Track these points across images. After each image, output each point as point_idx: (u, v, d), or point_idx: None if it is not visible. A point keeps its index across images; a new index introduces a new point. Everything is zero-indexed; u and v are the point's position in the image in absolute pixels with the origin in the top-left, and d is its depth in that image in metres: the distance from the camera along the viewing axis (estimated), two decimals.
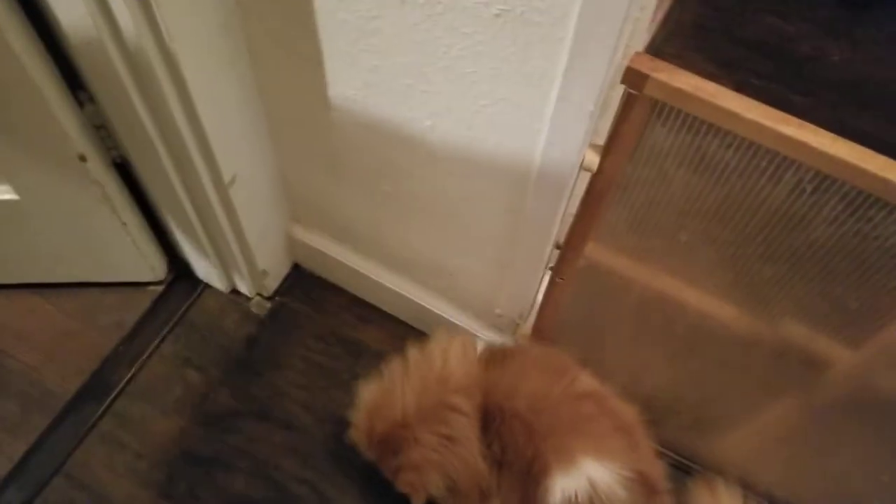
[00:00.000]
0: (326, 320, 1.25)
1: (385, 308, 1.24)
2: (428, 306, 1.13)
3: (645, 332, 0.85)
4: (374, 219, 1.03)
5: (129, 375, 1.19)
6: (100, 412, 1.15)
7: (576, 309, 0.92)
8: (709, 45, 0.81)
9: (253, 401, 1.17)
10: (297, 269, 1.30)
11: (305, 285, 1.29)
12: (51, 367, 1.19)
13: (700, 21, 0.94)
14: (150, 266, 1.23)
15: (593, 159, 0.66)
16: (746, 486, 0.99)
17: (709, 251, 0.68)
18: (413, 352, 0.85)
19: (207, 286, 1.28)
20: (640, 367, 0.92)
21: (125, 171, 1.05)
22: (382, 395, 0.82)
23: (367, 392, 0.84)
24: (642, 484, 0.76)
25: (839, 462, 0.89)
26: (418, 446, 0.74)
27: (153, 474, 1.10)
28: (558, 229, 0.81)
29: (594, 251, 0.78)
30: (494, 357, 0.87)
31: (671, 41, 0.66)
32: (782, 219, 0.61)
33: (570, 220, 0.79)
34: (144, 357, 1.21)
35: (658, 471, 0.81)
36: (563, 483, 0.73)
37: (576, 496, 0.73)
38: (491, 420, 0.78)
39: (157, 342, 1.23)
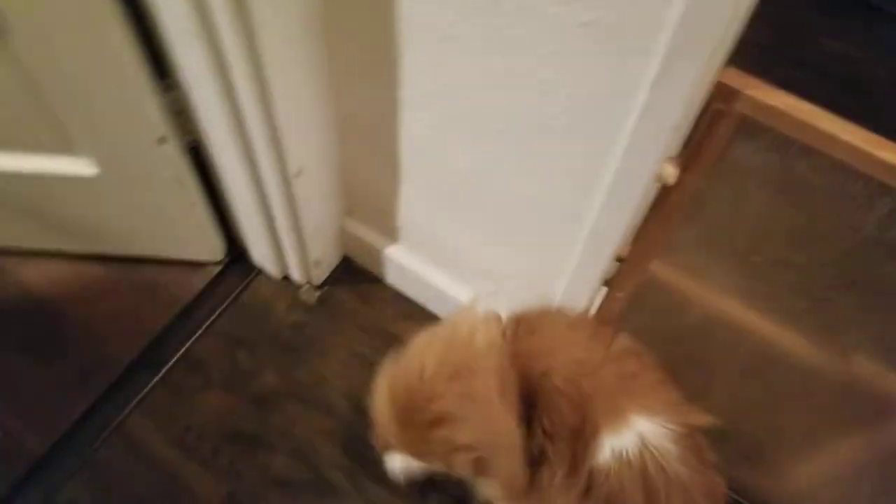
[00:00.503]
0: (371, 313, 1.22)
1: (429, 307, 1.21)
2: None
3: (703, 355, 0.79)
4: (431, 219, 1.00)
5: (182, 350, 1.17)
6: (153, 382, 1.14)
7: (629, 325, 0.87)
8: (770, 65, 0.76)
9: (297, 384, 1.14)
10: (346, 261, 1.28)
11: (353, 277, 1.26)
12: (112, 336, 1.18)
13: (762, 41, 0.87)
14: (210, 247, 1.21)
15: (670, 172, 0.62)
16: None
17: (783, 275, 0.63)
18: (431, 328, 0.79)
19: (261, 271, 1.26)
20: (695, 391, 0.86)
21: (197, 155, 1.03)
22: (402, 369, 0.76)
23: (387, 370, 0.78)
24: (691, 437, 0.72)
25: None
26: (441, 401, 0.69)
27: (199, 446, 1.07)
28: (620, 242, 0.76)
29: (657, 267, 0.73)
30: (522, 326, 0.80)
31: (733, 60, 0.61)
32: (871, 247, 0.55)
33: (632, 233, 0.75)
34: (198, 333, 1.19)
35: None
36: (613, 441, 0.70)
37: (627, 453, 0.69)
38: (532, 391, 0.73)
39: (210, 320, 1.21)
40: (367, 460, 1.07)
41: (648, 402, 0.72)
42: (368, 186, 1.05)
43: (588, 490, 0.72)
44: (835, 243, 0.58)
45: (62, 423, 1.10)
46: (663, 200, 0.66)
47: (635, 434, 0.70)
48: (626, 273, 0.77)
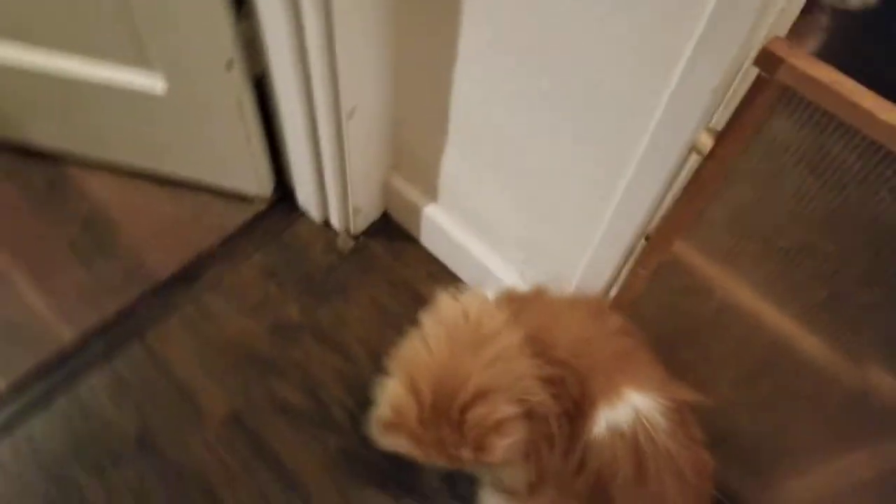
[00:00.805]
0: (401, 269, 1.25)
1: (458, 272, 1.23)
2: (500, 277, 1.10)
3: (718, 345, 0.79)
4: (470, 179, 1.02)
5: (218, 273, 1.23)
6: (185, 297, 1.19)
7: (650, 306, 0.86)
8: (847, 53, 0.74)
9: (318, 323, 1.18)
10: (385, 217, 1.31)
11: (390, 233, 1.29)
12: (154, 249, 1.25)
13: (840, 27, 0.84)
14: (259, 181, 1.26)
15: (706, 142, 0.62)
16: None
17: (807, 264, 0.62)
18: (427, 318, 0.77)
19: (304, 214, 1.31)
20: (704, 383, 0.85)
21: (260, 90, 1.08)
22: (421, 370, 0.72)
23: (401, 378, 0.73)
24: (680, 412, 0.73)
25: None
26: (474, 377, 0.67)
27: (217, 362, 1.13)
28: (651, 219, 0.76)
29: (683, 247, 0.73)
30: (514, 305, 0.79)
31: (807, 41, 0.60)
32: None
33: (661, 209, 0.75)
34: (235, 260, 1.24)
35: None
36: (609, 414, 0.71)
37: (620, 425, 0.71)
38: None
39: (249, 251, 1.26)
40: (370, 405, 1.10)
41: (641, 378, 0.73)
42: (415, 142, 1.07)
43: (582, 465, 0.73)
44: (861, 232, 0.57)
45: (94, 321, 1.17)
46: (696, 174, 0.66)
47: (630, 407, 0.71)
48: (651, 249, 0.77)
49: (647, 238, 0.79)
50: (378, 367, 1.13)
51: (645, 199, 0.71)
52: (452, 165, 1.04)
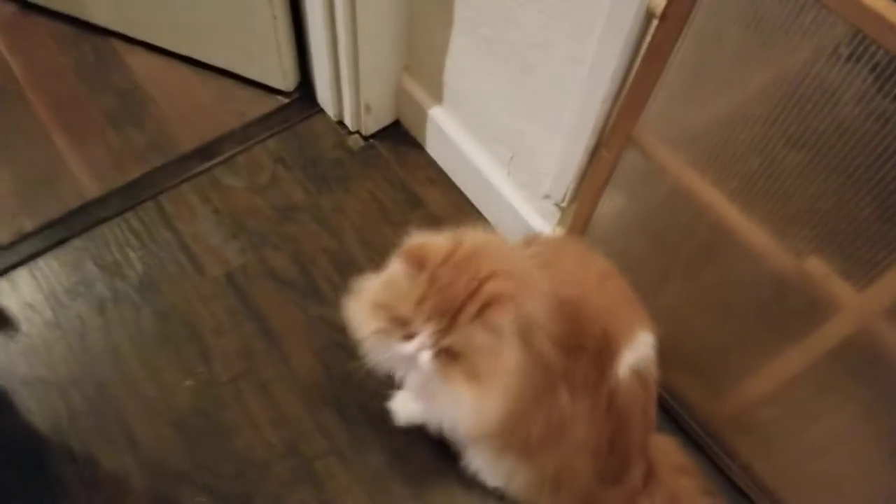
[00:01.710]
0: (402, 171, 1.32)
1: (453, 177, 1.29)
2: (490, 179, 1.16)
3: (669, 232, 0.83)
4: (470, 72, 1.08)
5: (233, 152, 1.33)
6: (201, 169, 1.30)
7: (611, 202, 0.91)
8: None
9: (318, 207, 1.26)
10: (396, 125, 1.38)
11: (397, 139, 1.36)
12: (179, 124, 1.36)
13: None
14: (283, 73, 1.35)
15: (658, 2, 0.66)
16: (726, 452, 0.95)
17: (741, 133, 0.66)
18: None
19: (321, 111, 1.39)
20: (659, 278, 0.89)
21: None
22: (537, 315, 0.70)
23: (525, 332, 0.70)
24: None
25: (821, 432, 0.83)
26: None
27: (220, 227, 1.23)
28: (612, 106, 0.81)
29: (641, 131, 0.78)
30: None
31: None
32: (815, 93, 0.58)
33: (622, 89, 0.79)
34: (251, 143, 1.34)
35: None
36: (629, 356, 0.74)
37: (638, 366, 0.75)
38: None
39: (265, 137, 1.35)
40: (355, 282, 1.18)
41: (642, 318, 0.76)
42: (424, 38, 1.14)
43: (609, 408, 0.76)
44: (786, 90, 0.60)
45: (118, 181, 1.28)
46: (651, 39, 0.70)
47: (643, 348, 0.75)
48: (614, 128, 0.82)
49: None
50: (366, 253, 1.22)
51: (609, 65, 0.76)
52: (457, 59, 1.10)
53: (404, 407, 0.99)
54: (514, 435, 0.76)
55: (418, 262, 0.66)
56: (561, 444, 0.77)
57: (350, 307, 0.76)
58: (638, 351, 0.75)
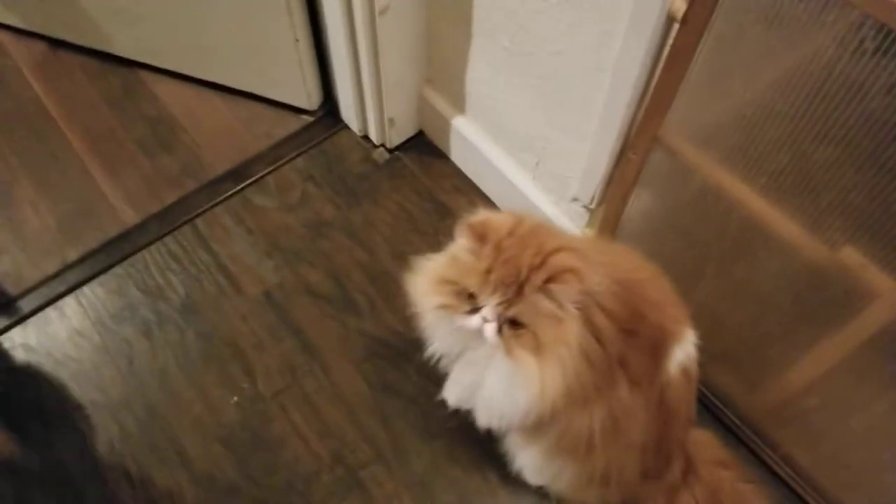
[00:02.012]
0: (428, 181, 1.35)
1: (480, 185, 1.31)
2: (516, 184, 1.18)
3: (700, 229, 0.83)
4: (492, 81, 1.10)
5: (263, 172, 1.36)
6: (233, 191, 1.34)
7: (640, 202, 0.92)
8: None
9: (348, 222, 1.29)
10: (420, 136, 1.40)
11: (422, 150, 1.39)
12: (209, 149, 1.40)
13: None
14: (307, 93, 1.38)
15: (679, 6, 0.68)
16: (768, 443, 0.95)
17: (769, 130, 0.67)
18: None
19: (346, 126, 1.42)
20: (692, 274, 0.90)
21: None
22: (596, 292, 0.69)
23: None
24: None
25: (862, 420, 0.83)
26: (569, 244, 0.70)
27: (255, 247, 1.26)
28: (639, 104, 0.83)
29: (667, 131, 0.79)
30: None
31: None
32: (841, 87, 0.59)
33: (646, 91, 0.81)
34: (280, 163, 1.37)
35: None
36: (678, 352, 0.75)
37: (683, 363, 0.76)
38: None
39: (293, 156, 1.39)
40: (389, 293, 1.21)
41: (688, 317, 0.77)
42: (446, 50, 1.16)
43: (660, 403, 0.77)
44: (812, 87, 0.61)
45: (154, 207, 1.33)
46: (673, 43, 0.72)
47: (690, 346, 0.76)
48: (640, 131, 0.83)
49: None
50: (398, 264, 1.24)
51: (632, 70, 0.78)
52: (477, 70, 1.12)
53: (455, 392, 0.93)
54: (572, 431, 0.76)
55: (482, 235, 0.67)
56: (617, 440, 0.78)
57: (412, 284, 0.76)
58: (685, 348, 0.76)
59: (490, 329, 0.68)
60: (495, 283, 0.66)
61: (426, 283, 0.74)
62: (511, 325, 0.68)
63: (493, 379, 0.75)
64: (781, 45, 0.62)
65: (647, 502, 0.90)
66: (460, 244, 0.70)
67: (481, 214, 0.71)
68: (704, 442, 0.93)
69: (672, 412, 0.78)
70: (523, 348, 0.69)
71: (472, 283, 0.68)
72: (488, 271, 0.66)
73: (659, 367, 0.75)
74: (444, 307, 0.71)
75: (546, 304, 0.66)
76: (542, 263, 0.66)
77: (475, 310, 0.68)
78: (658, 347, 0.74)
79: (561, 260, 0.66)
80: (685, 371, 0.76)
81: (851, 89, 0.59)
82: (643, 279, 0.76)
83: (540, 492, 1.01)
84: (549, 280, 0.65)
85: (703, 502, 0.88)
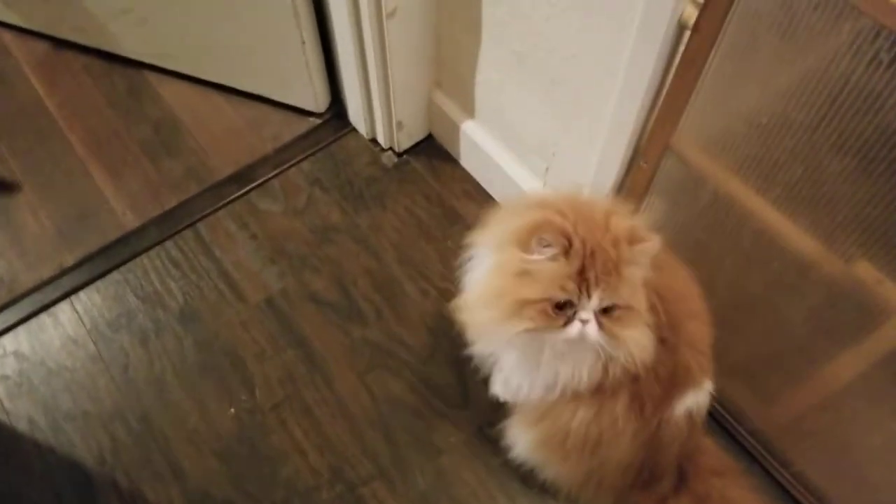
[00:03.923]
0: (438, 186, 1.36)
1: (489, 189, 1.33)
2: (526, 190, 1.19)
3: (713, 240, 0.84)
4: (501, 85, 1.11)
5: (269, 176, 1.39)
6: (237, 195, 1.36)
7: (651, 211, 0.93)
8: None
9: (356, 227, 1.32)
10: (429, 139, 1.42)
11: (431, 154, 1.41)
12: (214, 152, 1.43)
13: None
14: (314, 95, 1.41)
15: (690, 13, 0.69)
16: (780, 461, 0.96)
17: (784, 140, 0.68)
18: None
19: (354, 130, 1.45)
20: (705, 285, 0.91)
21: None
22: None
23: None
24: None
25: (878, 438, 0.83)
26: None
27: (259, 252, 1.29)
28: (650, 110, 0.84)
29: (679, 140, 0.80)
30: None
31: None
32: (857, 99, 0.60)
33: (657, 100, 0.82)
34: (286, 166, 1.40)
35: None
36: (691, 397, 0.77)
37: (691, 410, 0.78)
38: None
39: (299, 159, 1.41)
40: (396, 302, 1.23)
41: (711, 369, 0.78)
42: (454, 53, 1.18)
43: (652, 436, 0.78)
44: (827, 97, 0.62)
45: (155, 211, 1.36)
46: (685, 51, 0.73)
47: (704, 397, 0.78)
48: (651, 139, 0.85)
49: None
50: (406, 271, 1.26)
51: (643, 77, 0.79)
52: (487, 73, 1.14)
53: (512, 386, 0.89)
54: (553, 424, 0.78)
55: (568, 237, 0.64)
56: (595, 455, 0.79)
57: (477, 325, 0.72)
58: (700, 396, 0.77)
59: (592, 329, 0.66)
60: (596, 278, 0.64)
61: (500, 314, 0.67)
62: (604, 312, 0.66)
63: (590, 363, 0.72)
64: (796, 54, 0.63)
65: None
66: (534, 258, 0.65)
67: (531, 216, 0.67)
68: (703, 449, 0.93)
69: (663, 449, 0.79)
70: (625, 327, 0.67)
71: (566, 292, 0.64)
72: (581, 271, 0.64)
73: (668, 402, 0.76)
74: (531, 330, 0.67)
75: (636, 273, 0.65)
76: (615, 236, 0.65)
77: (569, 318, 0.66)
78: (675, 383, 0.75)
79: (619, 222, 0.66)
80: (690, 417, 0.78)
81: (868, 100, 0.60)
82: (688, 294, 0.77)
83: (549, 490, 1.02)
84: (631, 244, 0.65)
85: None
